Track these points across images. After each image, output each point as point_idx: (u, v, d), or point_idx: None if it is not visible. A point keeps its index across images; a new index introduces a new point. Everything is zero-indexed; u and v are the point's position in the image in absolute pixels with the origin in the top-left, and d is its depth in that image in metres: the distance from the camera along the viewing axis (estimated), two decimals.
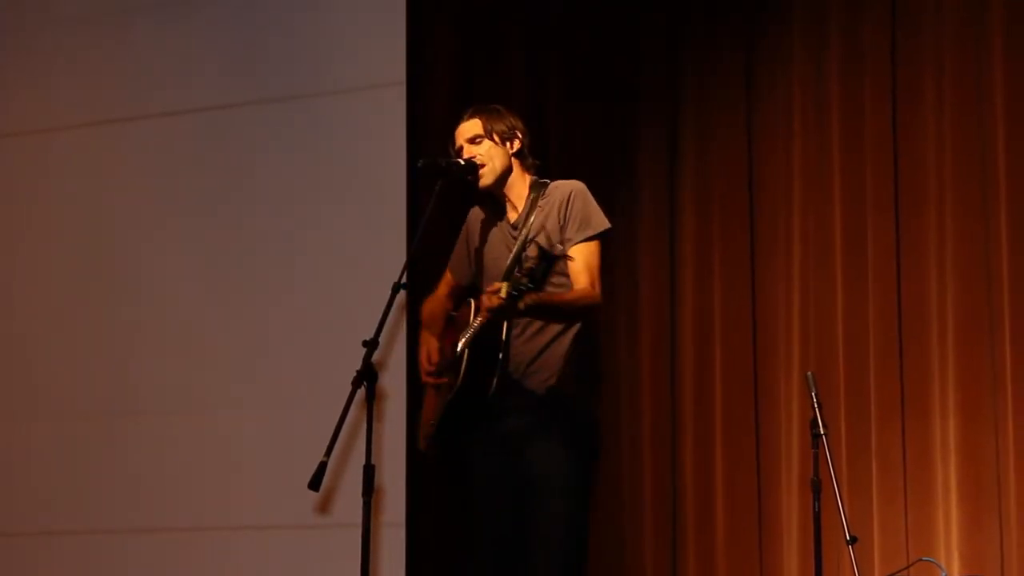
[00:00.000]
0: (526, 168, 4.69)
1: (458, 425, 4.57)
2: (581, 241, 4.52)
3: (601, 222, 4.57)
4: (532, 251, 4.30)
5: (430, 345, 4.67)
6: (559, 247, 4.41)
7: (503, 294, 4.17)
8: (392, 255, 5.90)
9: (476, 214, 4.79)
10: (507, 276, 4.46)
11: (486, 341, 4.43)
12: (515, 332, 4.50)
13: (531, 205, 4.61)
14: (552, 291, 4.44)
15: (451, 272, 4.85)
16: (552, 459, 4.46)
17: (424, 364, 4.64)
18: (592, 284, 4.49)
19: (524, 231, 4.57)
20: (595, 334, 4.77)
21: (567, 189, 4.60)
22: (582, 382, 4.58)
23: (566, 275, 4.51)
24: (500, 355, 4.45)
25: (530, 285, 4.15)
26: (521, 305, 4.21)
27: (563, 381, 4.52)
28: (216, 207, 6.53)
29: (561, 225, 4.54)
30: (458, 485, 4.90)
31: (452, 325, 4.76)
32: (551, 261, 4.23)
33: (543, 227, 4.54)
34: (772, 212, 5.90)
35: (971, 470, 5.49)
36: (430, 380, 4.62)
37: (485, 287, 4.62)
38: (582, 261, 4.49)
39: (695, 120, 6.04)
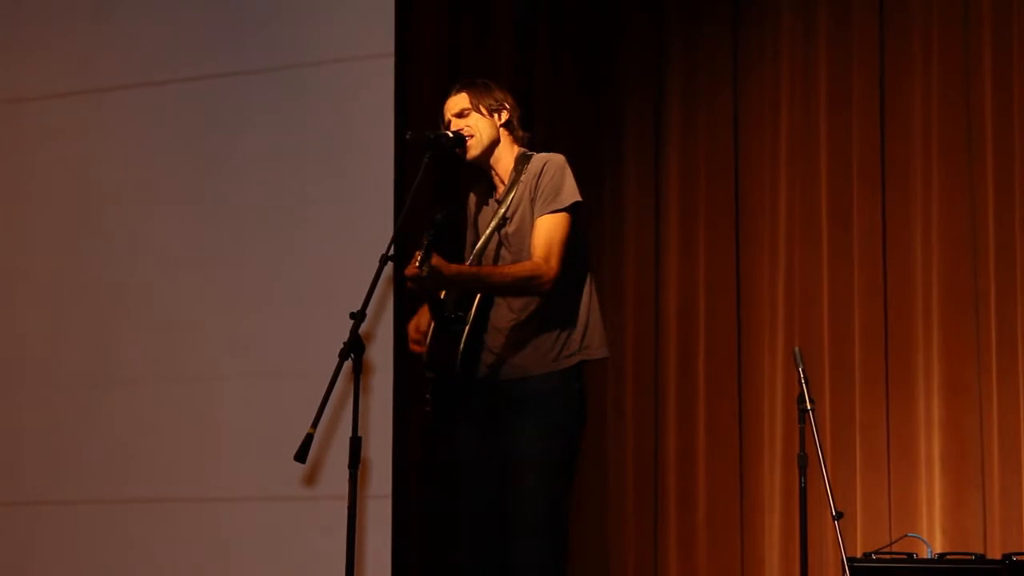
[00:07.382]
0: (516, 140, 4.66)
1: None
2: (547, 213, 4.50)
3: (571, 195, 4.50)
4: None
5: (419, 318, 4.68)
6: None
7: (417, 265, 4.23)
8: (379, 227, 5.89)
9: (473, 197, 4.77)
10: (474, 251, 4.51)
11: (477, 323, 4.48)
12: (510, 315, 4.52)
13: (514, 179, 4.61)
14: (480, 267, 4.45)
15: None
16: (534, 436, 4.47)
17: (411, 333, 4.66)
18: (546, 258, 4.43)
19: (504, 207, 4.57)
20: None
21: (542, 162, 4.56)
22: (573, 361, 4.57)
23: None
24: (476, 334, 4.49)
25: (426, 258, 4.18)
26: (424, 273, 4.21)
27: (555, 359, 4.52)
28: (202, 178, 6.51)
29: (532, 198, 4.53)
30: (444, 457, 4.90)
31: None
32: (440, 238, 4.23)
33: (521, 202, 4.54)
34: (758, 184, 5.90)
35: (955, 445, 5.51)
36: (415, 349, 4.64)
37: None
38: (543, 234, 4.45)
39: (681, 92, 6.03)
